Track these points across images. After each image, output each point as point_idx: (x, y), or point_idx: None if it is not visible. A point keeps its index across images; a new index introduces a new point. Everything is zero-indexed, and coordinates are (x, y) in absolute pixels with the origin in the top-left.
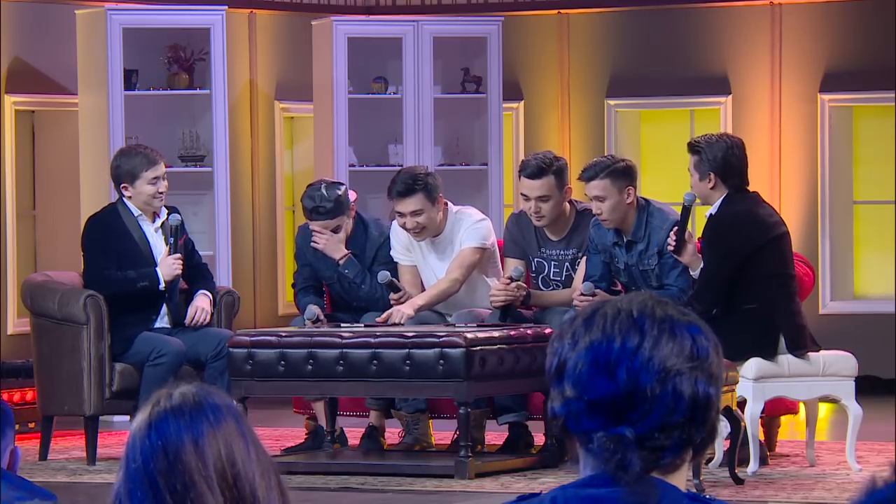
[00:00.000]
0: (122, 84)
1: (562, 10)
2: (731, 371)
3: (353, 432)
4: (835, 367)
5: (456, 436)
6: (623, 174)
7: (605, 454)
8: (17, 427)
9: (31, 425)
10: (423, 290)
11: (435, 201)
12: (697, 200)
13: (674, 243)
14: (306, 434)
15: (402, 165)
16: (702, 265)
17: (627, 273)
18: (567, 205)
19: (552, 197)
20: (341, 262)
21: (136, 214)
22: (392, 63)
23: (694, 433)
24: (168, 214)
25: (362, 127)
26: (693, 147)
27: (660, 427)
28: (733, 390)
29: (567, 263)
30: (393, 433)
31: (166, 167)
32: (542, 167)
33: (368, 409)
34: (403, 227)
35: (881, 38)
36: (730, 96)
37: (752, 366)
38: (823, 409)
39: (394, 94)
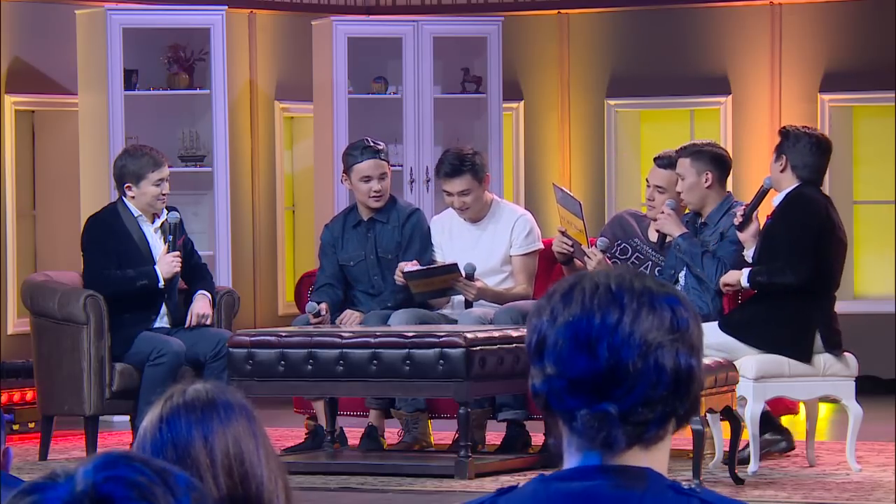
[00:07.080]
0: (122, 84)
1: (562, 10)
2: (731, 371)
3: (353, 432)
4: (835, 367)
5: (456, 436)
6: (706, 157)
7: (590, 432)
8: (17, 427)
9: (31, 425)
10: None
11: (482, 181)
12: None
13: (741, 218)
14: (306, 434)
15: (401, 166)
16: (757, 244)
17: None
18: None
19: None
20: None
21: (136, 215)
22: (392, 63)
23: (678, 405)
24: (167, 213)
25: (362, 127)
26: (783, 131)
27: (643, 402)
28: (733, 390)
29: (657, 268)
30: (393, 433)
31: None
32: (671, 156)
33: (368, 409)
34: (451, 206)
35: (881, 38)
36: (730, 96)
37: (753, 366)
38: (823, 409)
39: (394, 94)
